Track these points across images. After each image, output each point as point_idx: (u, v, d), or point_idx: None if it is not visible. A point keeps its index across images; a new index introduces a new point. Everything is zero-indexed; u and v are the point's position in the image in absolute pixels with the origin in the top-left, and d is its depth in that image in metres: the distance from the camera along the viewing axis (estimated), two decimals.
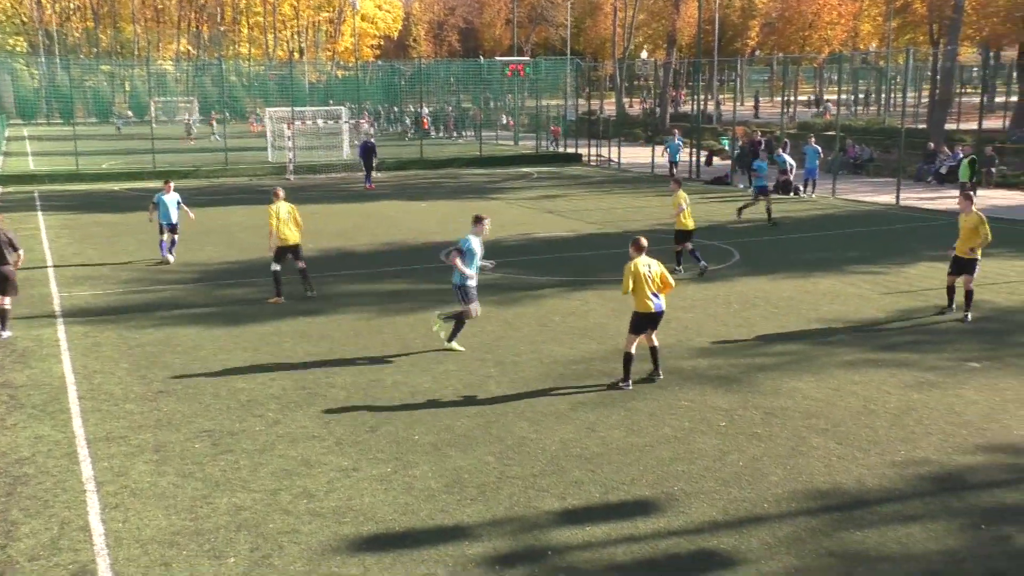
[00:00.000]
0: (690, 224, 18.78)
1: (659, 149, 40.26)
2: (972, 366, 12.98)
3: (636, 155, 45.64)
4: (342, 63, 77.42)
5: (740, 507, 8.82)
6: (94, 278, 19.47)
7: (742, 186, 34.94)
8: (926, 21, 54.63)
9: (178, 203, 21.04)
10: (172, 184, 21.30)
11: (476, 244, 13.66)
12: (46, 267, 20.66)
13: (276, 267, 16.96)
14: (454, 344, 13.93)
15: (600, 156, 45.91)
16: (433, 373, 12.89)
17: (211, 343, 14.50)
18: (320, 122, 45.58)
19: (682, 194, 18.84)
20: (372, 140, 38.27)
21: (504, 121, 66.13)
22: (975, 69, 68.44)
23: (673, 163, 37.44)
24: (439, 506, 8.90)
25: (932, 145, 37.24)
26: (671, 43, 62.51)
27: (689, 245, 18.87)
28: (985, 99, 42.23)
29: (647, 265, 12.04)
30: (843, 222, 26.24)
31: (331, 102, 57.81)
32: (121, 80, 74.12)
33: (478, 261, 13.78)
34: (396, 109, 67.52)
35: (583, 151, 47.22)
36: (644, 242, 12.22)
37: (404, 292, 18.08)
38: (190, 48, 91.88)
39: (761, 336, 14.63)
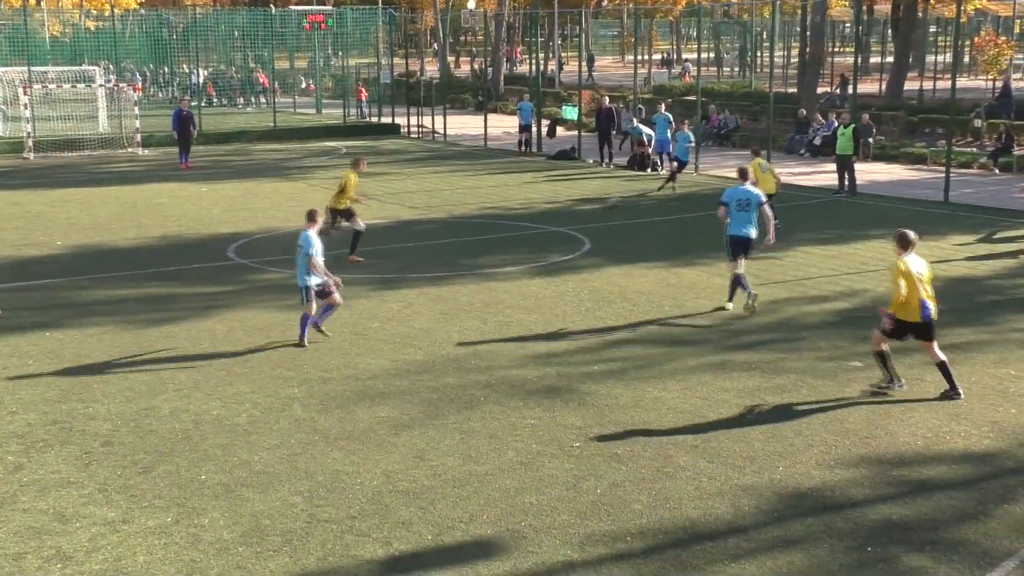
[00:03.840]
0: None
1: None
2: (854, 365, 13.69)
3: (465, 125, 45.94)
4: (94, 12, 74.48)
5: (599, 542, 9.00)
6: None
7: (591, 161, 35.73)
8: None
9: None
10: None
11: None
12: None
13: None
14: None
15: (422, 127, 45.98)
16: (222, 396, 12.63)
17: None
18: (67, 86, 43.69)
19: (756, 162, 22.15)
20: (188, 108, 37.00)
21: (304, 85, 65.29)
22: (847, 25, 72.35)
23: (527, 128, 38.59)
24: (234, 561, 8.71)
25: (804, 112, 39.01)
26: None
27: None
28: (859, 60, 44.76)
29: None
30: (708, 203, 27.14)
31: (90, 62, 55.42)
32: None
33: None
34: (166, 70, 65.59)
35: (401, 121, 47.17)
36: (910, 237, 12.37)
37: (181, 296, 17.62)
38: None
39: (618, 338, 15.00)
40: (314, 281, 14.36)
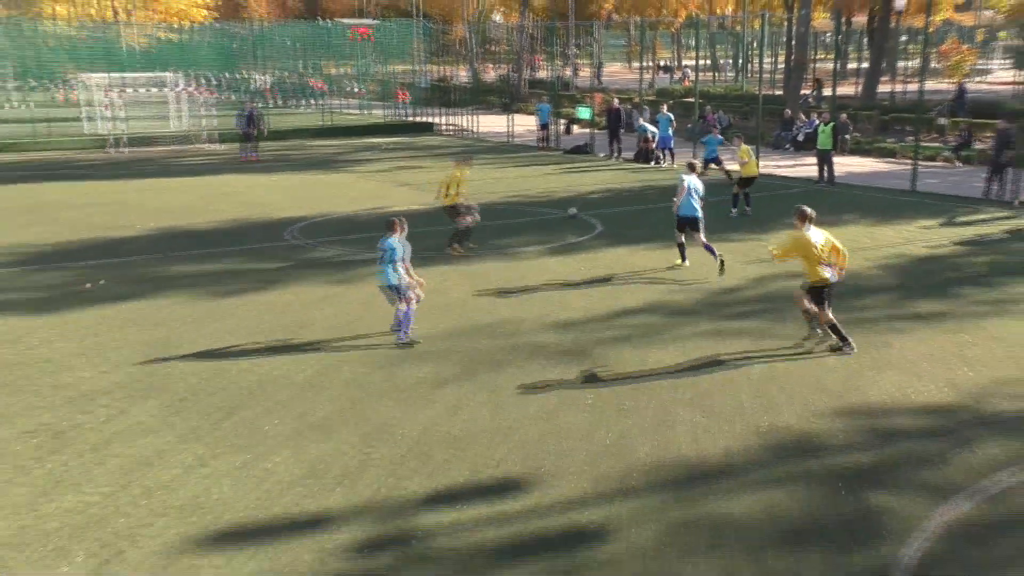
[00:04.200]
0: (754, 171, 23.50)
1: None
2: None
3: (492, 124, 45.98)
4: (169, 25, 74.79)
5: (609, 481, 9.21)
6: None
7: (603, 155, 35.78)
8: None
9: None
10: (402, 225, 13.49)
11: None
12: None
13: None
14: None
15: (454, 125, 46.08)
16: (284, 357, 12.84)
17: (35, 333, 14.02)
18: (150, 90, 44.14)
19: (745, 147, 23.23)
20: (256, 108, 37.44)
21: (352, 88, 65.38)
22: (828, 35, 71.76)
23: (544, 127, 38.63)
24: (299, 495, 8.95)
25: (789, 112, 38.93)
26: (524, 4, 62.99)
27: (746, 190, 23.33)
28: (838, 65, 44.54)
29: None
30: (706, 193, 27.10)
31: (166, 70, 55.61)
32: None
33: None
34: (233, 76, 65.90)
35: (436, 120, 47.31)
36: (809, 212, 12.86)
37: (248, 272, 17.83)
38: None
39: (625, 309, 15.15)
40: (398, 279, 13.13)
